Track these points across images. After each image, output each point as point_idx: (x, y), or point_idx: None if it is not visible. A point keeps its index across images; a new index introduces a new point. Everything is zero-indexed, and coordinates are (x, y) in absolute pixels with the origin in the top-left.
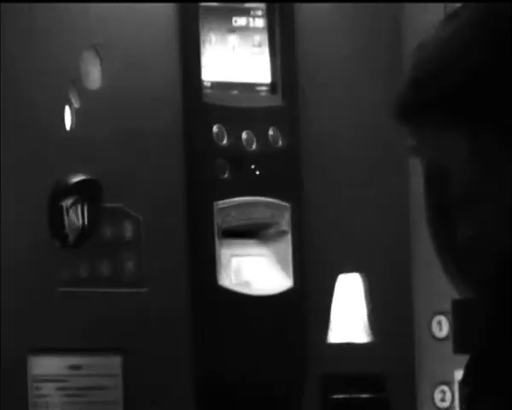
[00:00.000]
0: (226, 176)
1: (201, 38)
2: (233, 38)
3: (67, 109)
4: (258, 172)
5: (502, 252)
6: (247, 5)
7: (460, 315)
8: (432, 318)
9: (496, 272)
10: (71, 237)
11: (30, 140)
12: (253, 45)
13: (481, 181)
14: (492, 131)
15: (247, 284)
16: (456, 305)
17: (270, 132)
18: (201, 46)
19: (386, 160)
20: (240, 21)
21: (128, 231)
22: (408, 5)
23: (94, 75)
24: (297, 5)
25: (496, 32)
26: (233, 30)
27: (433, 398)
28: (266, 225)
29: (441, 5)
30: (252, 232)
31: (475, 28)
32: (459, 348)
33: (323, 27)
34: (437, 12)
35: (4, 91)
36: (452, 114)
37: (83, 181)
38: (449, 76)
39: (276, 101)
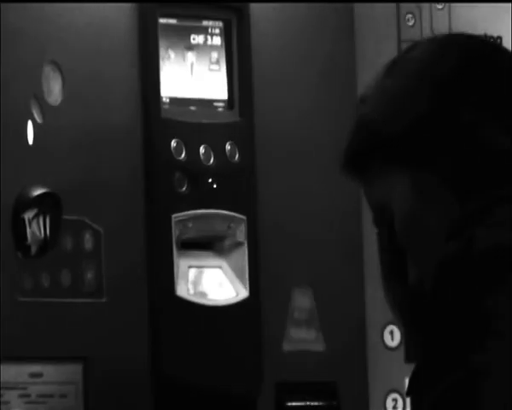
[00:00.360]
0: (184, 189)
1: (160, 54)
2: (191, 55)
3: (29, 124)
4: (215, 186)
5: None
6: (205, 23)
7: None
8: (384, 327)
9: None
10: (33, 249)
11: None
12: (211, 62)
13: (422, 217)
14: (433, 173)
15: (203, 294)
16: None
17: (227, 147)
18: (160, 63)
19: (339, 173)
20: (198, 39)
21: (88, 242)
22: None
23: (55, 91)
24: (253, 23)
25: (435, 82)
26: (191, 47)
27: (384, 405)
28: (223, 237)
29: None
30: (209, 244)
31: (417, 80)
32: (410, 357)
33: (278, 43)
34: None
35: None
36: (397, 161)
37: (44, 194)
38: (393, 126)
39: (233, 117)
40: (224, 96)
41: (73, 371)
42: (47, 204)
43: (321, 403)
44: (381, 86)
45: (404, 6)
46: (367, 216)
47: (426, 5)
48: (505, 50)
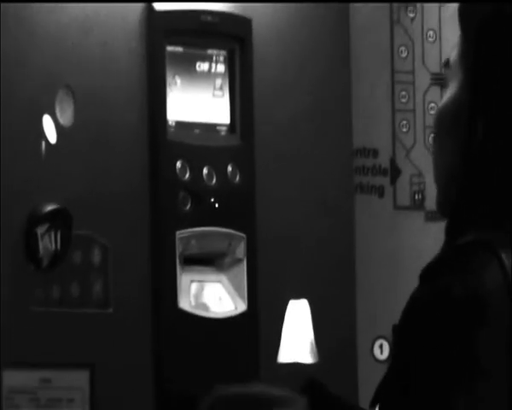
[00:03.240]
0: (188, 208)
1: (167, 81)
2: (196, 82)
3: (43, 144)
4: (216, 205)
5: None
6: (210, 52)
7: None
8: (373, 341)
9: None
10: (44, 261)
11: (9, 170)
12: (215, 88)
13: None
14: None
15: (204, 307)
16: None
17: (229, 169)
18: (167, 88)
19: (334, 194)
20: (203, 66)
21: (96, 256)
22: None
23: (67, 113)
24: (256, 54)
25: None
26: (196, 74)
27: None
28: (223, 254)
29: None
30: (210, 260)
31: None
32: None
33: (278, 71)
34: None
35: None
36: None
37: (55, 210)
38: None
39: (235, 140)
40: (227, 120)
41: (80, 377)
42: (58, 219)
43: None
44: None
45: (398, 38)
46: (359, 234)
47: (418, 38)
48: None
